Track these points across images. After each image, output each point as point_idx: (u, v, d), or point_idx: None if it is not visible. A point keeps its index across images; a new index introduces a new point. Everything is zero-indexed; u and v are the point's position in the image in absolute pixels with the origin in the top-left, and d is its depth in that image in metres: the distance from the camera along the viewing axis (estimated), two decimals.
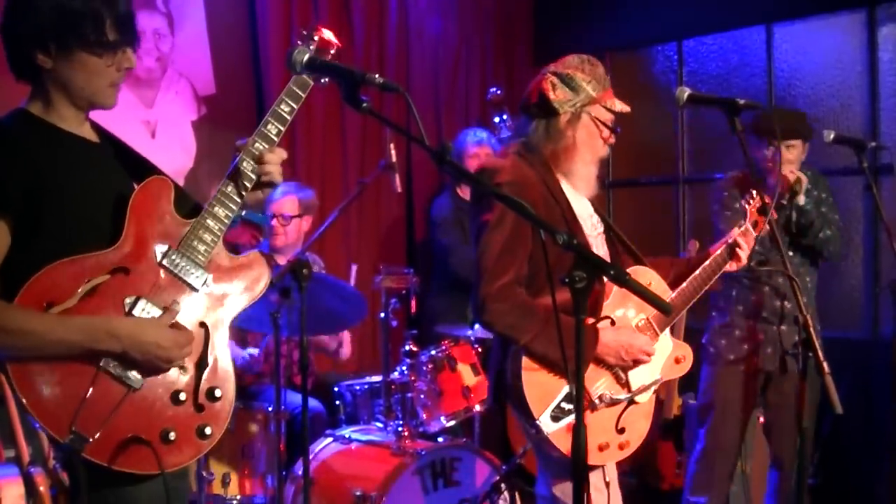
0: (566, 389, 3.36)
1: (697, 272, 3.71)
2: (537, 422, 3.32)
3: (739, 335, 4.74)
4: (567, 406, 3.35)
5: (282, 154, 2.72)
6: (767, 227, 3.74)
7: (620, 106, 3.55)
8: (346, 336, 5.68)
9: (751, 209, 3.88)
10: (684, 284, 3.69)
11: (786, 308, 4.67)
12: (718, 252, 3.76)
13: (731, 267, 3.79)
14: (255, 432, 4.88)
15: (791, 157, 4.64)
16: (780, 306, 4.68)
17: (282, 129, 2.71)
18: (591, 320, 3.43)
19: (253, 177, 2.67)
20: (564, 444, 3.33)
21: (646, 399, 3.56)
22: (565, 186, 3.55)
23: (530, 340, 3.33)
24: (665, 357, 3.64)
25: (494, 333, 3.50)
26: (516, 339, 3.36)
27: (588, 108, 3.50)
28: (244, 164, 2.66)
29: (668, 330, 3.66)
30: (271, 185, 2.74)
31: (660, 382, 3.60)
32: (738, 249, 3.76)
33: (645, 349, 3.48)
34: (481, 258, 3.42)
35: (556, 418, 3.34)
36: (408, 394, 4.92)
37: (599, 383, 3.45)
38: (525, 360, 3.36)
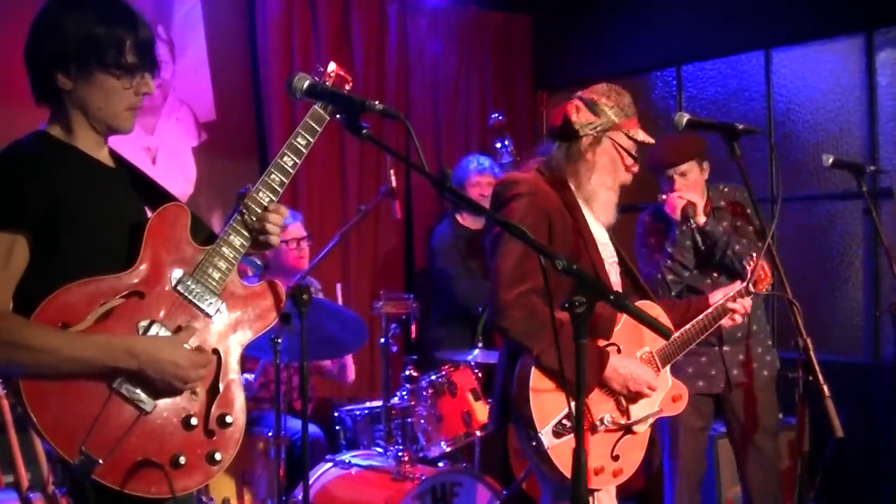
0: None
1: (693, 324, 3.78)
2: (539, 434, 3.34)
3: (683, 359, 4.73)
4: (569, 423, 3.37)
5: (284, 213, 2.76)
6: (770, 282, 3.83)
7: (643, 136, 3.58)
8: (348, 359, 5.66)
9: (750, 269, 3.90)
10: (679, 333, 3.75)
11: (724, 329, 4.67)
12: (713, 308, 3.81)
13: (726, 323, 3.85)
14: (256, 458, 4.87)
15: (688, 182, 4.68)
16: (718, 327, 4.68)
17: (297, 161, 2.75)
18: (602, 343, 3.49)
19: (265, 206, 2.70)
20: (562, 461, 3.34)
21: (642, 430, 3.57)
22: (584, 211, 3.59)
23: (542, 350, 3.35)
24: (664, 391, 3.67)
25: (509, 340, 3.51)
26: (530, 347, 3.38)
27: (610, 133, 3.54)
28: (260, 194, 2.69)
29: (668, 367, 3.70)
30: (268, 246, 2.76)
31: (657, 416, 3.63)
32: (736, 315, 3.83)
33: (650, 383, 3.51)
34: (499, 266, 3.45)
35: (557, 434, 3.36)
36: (408, 419, 4.92)
37: (603, 407, 3.46)
38: (535, 372, 3.37)
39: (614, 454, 3.47)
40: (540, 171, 3.61)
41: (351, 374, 5.69)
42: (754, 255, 4.00)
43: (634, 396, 3.51)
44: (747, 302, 3.84)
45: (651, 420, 3.60)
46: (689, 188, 4.67)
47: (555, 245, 3.44)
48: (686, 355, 4.68)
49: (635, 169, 3.63)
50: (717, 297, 3.85)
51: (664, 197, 4.69)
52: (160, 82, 6.09)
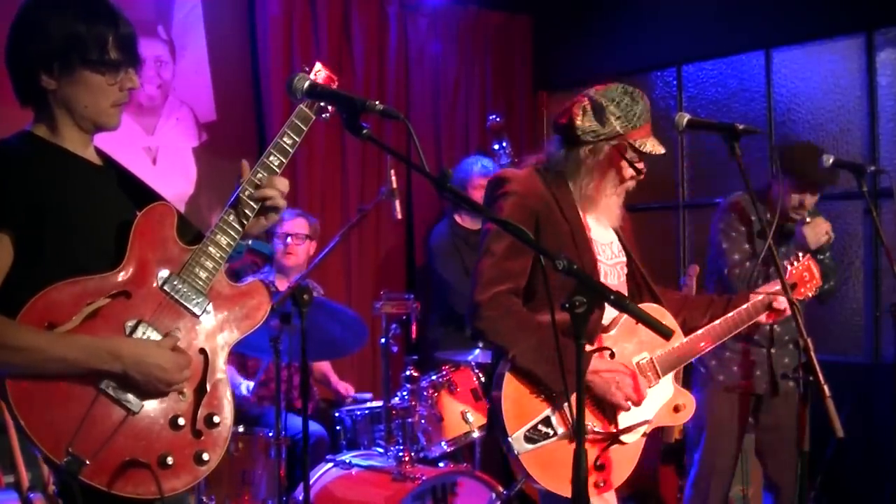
0: (547, 412, 3.27)
1: (727, 317, 3.64)
2: (509, 439, 3.22)
3: (730, 357, 4.72)
4: (545, 429, 3.26)
5: (285, 182, 2.73)
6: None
7: (651, 147, 3.41)
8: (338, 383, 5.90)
9: (793, 269, 3.85)
10: (707, 327, 3.61)
11: (776, 331, 4.66)
12: (751, 302, 3.69)
13: (763, 319, 3.71)
14: (256, 458, 4.87)
15: (812, 203, 4.67)
16: (770, 329, 4.65)
17: (284, 160, 2.73)
18: (588, 347, 3.31)
19: (255, 206, 2.68)
20: (534, 468, 3.24)
21: (632, 441, 3.40)
22: (585, 211, 3.49)
23: (519, 352, 3.25)
24: (663, 401, 3.50)
25: (485, 341, 3.42)
26: (506, 348, 3.29)
27: (613, 143, 3.40)
28: (246, 193, 2.67)
29: (671, 375, 3.53)
30: (276, 210, 2.74)
31: (650, 426, 3.45)
32: (774, 304, 3.68)
33: (631, 394, 3.33)
34: (478, 266, 3.37)
35: (531, 440, 3.24)
36: (408, 419, 4.91)
37: (585, 414, 3.36)
38: (508, 375, 3.28)
39: (598, 463, 3.30)
40: (537, 168, 3.50)
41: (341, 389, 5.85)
42: (800, 255, 3.96)
43: (622, 403, 3.34)
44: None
45: (644, 430, 3.43)
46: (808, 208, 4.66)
47: (544, 247, 3.36)
48: (733, 353, 4.68)
49: (639, 178, 3.49)
50: (757, 296, 3.73)
51: (809, 220, 4.59)
52: (160, 83, 6.10)
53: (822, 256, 4.60)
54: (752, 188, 3.66)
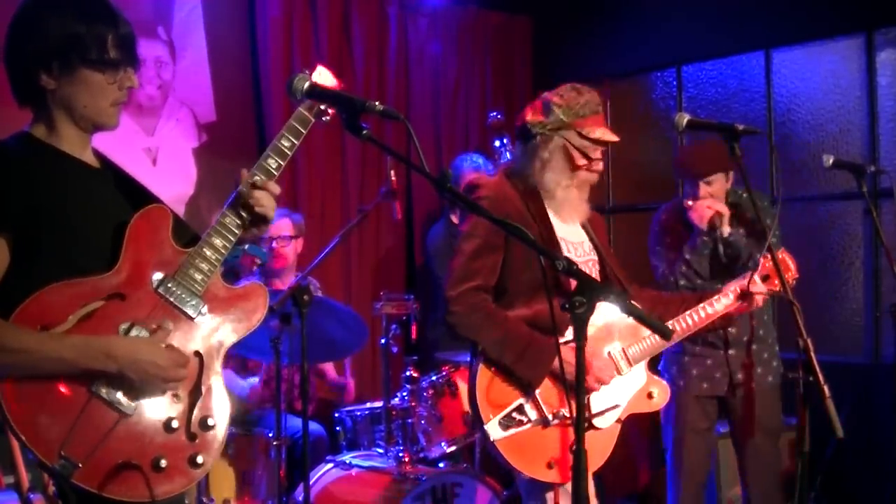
0: (520, 401, 3.46)
1: (698, 308, 3.77)
2: (485, 427, 3.41)
3: (689, 361, 4.75)
4: (519, 417, 3.44)
5: (276, 189, 2.72)
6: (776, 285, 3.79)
7: (601, 134, 3.59)
8: (350, 381, 5.87)
9: (764, 263, 3.88)
10: (678, 318, 3.74)
11: (731, 333, 4.66)
12: (722, 292, 3.81)
13: (739, 309, 3.82)
14: (256, 458, 4.87)
15: (713, 190, 4.64)
16: (724, 332, 4.66)
17: (282, 163, 2.73)
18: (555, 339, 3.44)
19: (250, 209, 2.68)
20: (511, 453, 3.42)
21: (606, 426, 3.56)
22: (552, 213, 3.63)
23: (489, 345, 3.45)
24: (636, 388, 3.66)
25: (457, 335, 3.55)
26: (476, 341, 3.50)
27: (562, 133, 3.59)
28: (242, 196, 2.67)
29: (644, 363, 3.69)
30: (265, 220, 2.73)
31: (622, 412, 3.60)
32: (754, 294, 3.79)
33: (605, 372, 3.53)
34: (451, 264, 3.57)
35: (505, 426, 3.43)
36: (408, 419, 4.92)
37: (555, 400, 3.47)
38: (481, 367, 3.47)
39: (573, 448, 3.42)
40: (506, 173, 3.70)
41: (350, 394, 5.81)
42: (774, 250, 3.99)
43: (594, 387, 3.52)
44: (762, 289, 3.82)
45: (618, 416, 3.59)
46: (715, 196, 4.64)
47: (513, 248, 3.50)
48: (691, 357, 4.70)
49: (596, 167, 3.65)
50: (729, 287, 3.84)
51: (690, 203, 4.64)
52: (160, 83, 6.09)
53: (718, 233, 4.56)
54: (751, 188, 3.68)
